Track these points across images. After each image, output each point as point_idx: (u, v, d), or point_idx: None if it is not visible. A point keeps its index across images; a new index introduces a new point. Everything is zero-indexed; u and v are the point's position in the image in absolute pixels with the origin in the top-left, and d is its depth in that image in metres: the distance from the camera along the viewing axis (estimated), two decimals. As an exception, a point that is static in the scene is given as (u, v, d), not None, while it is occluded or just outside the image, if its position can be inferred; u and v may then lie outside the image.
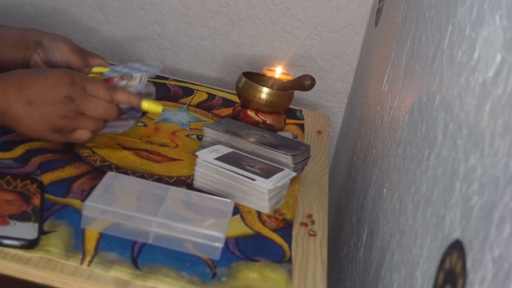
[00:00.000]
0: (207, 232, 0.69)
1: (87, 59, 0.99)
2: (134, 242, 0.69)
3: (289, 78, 1.24)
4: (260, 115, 1.11)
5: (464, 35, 0.55)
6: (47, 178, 0.79)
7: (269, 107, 1.10)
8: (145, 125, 1.03)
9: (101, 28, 1.54)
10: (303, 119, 1.25)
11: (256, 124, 1.10)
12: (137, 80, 0.90)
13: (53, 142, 0.86)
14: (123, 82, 0.90)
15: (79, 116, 0.82)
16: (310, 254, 0.76)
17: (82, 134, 0.83)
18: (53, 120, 0.80)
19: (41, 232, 0.67)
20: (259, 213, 0.82)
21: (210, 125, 0.96)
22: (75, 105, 0.80)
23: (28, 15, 1.56)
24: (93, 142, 0.92)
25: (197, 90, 1.28)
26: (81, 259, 0.65)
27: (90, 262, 0.64)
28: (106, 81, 0.89)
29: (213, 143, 0.95)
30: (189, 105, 1.18)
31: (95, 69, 0.96)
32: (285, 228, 0.80)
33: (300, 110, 1.30)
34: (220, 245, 0.69)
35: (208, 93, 1.28)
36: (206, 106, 1.20)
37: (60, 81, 0.80)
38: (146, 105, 0.87)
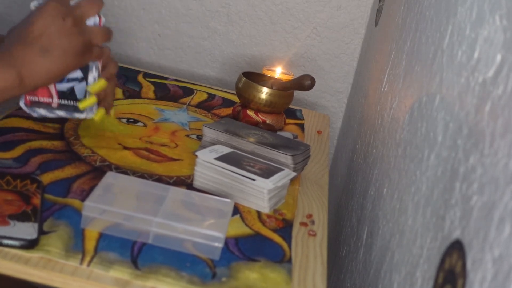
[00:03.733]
0: (207, 232, 0.69)
1: None
2: (134, 242, 0.69)
3: (289, 78, 1.24)
4: (260, 115, 1.11)
5: (464, 35, 0.55)
6: (47, 178, 0.79)
7: (269, 107, 1.10)
8: (145, 125, 1.03)
9: (101, 28, 1.54)
10: (303, 119, 1.25)
11: (256, 124, 1.10)
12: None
13: (82, 65, 0.83)
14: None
15: (83, 30, 0.80)
16: (310, 254, 0.76)
17: (98, 49, 0.83)
18: (74, 46, 0.78)
19: (41, 232, 0.67)
20: (259, 213, 0.82)
21: (210, 125, 0.96)
22: (72, 19, 0.78)
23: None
24: (93, 142, 0.92)
25: (197, 90, 1.28)
26: (81, 259, 0.65)
27: (90, 262, 0.64)
28: None
29: (213, 143, 0.95)
30: (189, 105, 1.18)
31: None
32: (285, 228, 0.80)
33: (300, 110, 1.30)
34: (220, 245, 0.69)
35: (208, 93, 1.28)
36: (206, 106, 1.20)
37: (48, 11, 0.77)
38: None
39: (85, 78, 0.84)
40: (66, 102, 0.83)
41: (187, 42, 1.54)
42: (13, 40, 0.77)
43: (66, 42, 0.78)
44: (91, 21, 0.83)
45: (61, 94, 0.83)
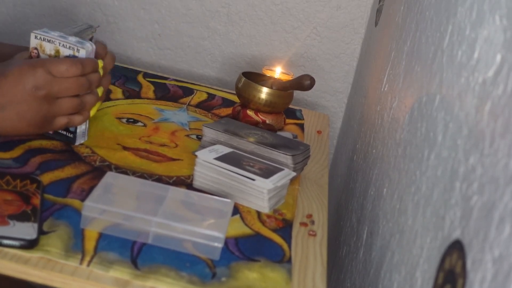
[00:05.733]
0: (207, 232, 0.69)
1: None
2: (134, 242, 0.69)
3: (289, 78, 1.24)
4: (259, 115, 1.11)
5: (464, 35, 0.55)
6: (46, 178, 0.79)
7: (269, 107, 1.10)
8: (144, 125, 1.03)
9: (101, 28, 1.54)
10: (303, 119, 1.25)
11: (255, 124, 1.10)
12: (84, 54, 0.84)
13: (38, 134, 0.83)
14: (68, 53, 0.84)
15: (54, 102, 0.79)
16: (310, 254, 0.76)
17: (62, 121, 0.82)
18: (30, 116, 0.77)
19: (41, 232, 0.67)
20: (258, 213, 0.82)
21: (210, 125, 0.96)
22: (46, 92, 0.77)
23: (28, 14, 1.56)
24: (92, 142, 0.92)
25: (197, 90, 1.28)
26: (81, 259, 0.65)
27: (90, 262, 0.64)
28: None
29: (212, 143, 0.95)
30: (188, 105, 1.18)
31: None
32: (285, 228, 0.80)
33: (300, 110, 1.30)
34: (219, 245, 0.69)
35: (208, 93, 1.27)
36: (206, 106, 1.20)
37: (21, 73, 0.76)
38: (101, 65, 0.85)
39: None
40: (60, 131, 0.88)
41: (187, 42, 1.54)
42: None
43: (24, 109, 0.77)
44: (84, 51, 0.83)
45: None
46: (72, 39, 0.85)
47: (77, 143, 0.89)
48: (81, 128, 0.89)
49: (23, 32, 1.57)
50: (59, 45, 0.83)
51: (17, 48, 0.95)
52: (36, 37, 0.84)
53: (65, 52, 0.83)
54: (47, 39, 0.84)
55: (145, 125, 1.03)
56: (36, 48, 0.85)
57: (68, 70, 0.78)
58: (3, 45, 0.98)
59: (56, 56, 0.83)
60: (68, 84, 0.79)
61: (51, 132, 0.88)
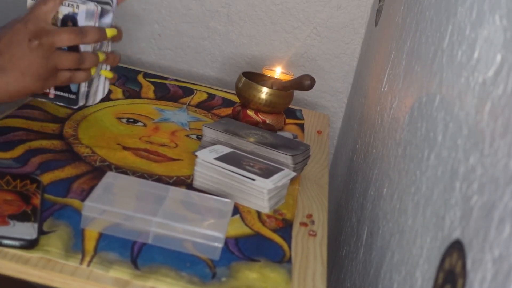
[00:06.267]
0: (207, 232, 0.69)
1: None
2: (134, 242, 0.69)
3: (289, 78, 1.24)
4: (260, 115, 1.11)
5: (464, 35, 0.55)
6: (46, 178, 0.79)
7: (269, 107, 1.10)
8: (144, 125, 1.03)
9: (101, 28, 1.54)
10: (303, 119, 1.25)
11: (256, 124, 1.10)
12: (84, 11, 0.81)
13: (45, 90, 0.82)
14: (66, 10, 0.81)
15: (52, 52, 0.77)
16: (310, 254, 0.76)
17: (65, 74, 0.80)
18: (33, 70, 0.76)
19: (41, 232, 0.67)
20: (259, 213, 0.82)
21: (210, 125, 0.96)
22: (40, 40, 0.76)
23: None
24: (92, 142, 0.92)
25: (197, 90, 1.28)
26: (81, 259, 0.65)
27: (90, 262, 0.64)
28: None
29: (212, 143, 0.95)
30: (189, 105, 1.18)
31: None
32: (285, 228, 0.80)
33: (300, 110, 1.30)
34: (219, 245, 0.69)
35: (208, 93, 1.27)
36: (206, 106, 1.20)
37: (13, 31, 0.76)
38: (109, 33, 0.83)
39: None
40: (61, 93, 0.85)
41: (187, 42, 1.54)
42: None
43: (26, 64, 0.76)
44: (106, 19, 0.82)
45: (57, 86, 0.84)
46: None
47: (79, 104, 0.86)
48: (83, 89, 0.86)
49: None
50: None
51: None
52: None
53: (63, 10, 0.80)
54: None
55: (145, 125, 1.03)
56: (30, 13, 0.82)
57: (67, 39, 0.77)
58: None
59: (54, 16, 0.80)
60: (59, 30, 0.78)
61: (52, 97, 0.85)
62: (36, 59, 0.76)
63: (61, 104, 0.87)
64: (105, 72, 0.88)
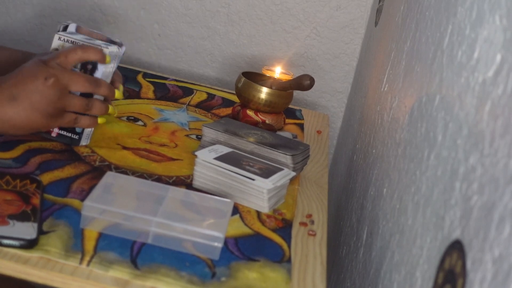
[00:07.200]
0: (207, 232, 0.69)
1: None
2: (134, 242, 0.69)
3: (289, 78, 1.24)
4: (259, 115, 1.11)
5: (464, 35, 0.55)
6: (46, 178, 0.79)
7: (269, 107, 1.10)
8: (144, 124, 1.03)
9: (101, 28, 1.54)
10: (303, 119, 1.25)
11: (255, 124, 1.10)
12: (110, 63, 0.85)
13: (49, 128, 0.83)
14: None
15: (64, 94, 0.80)
16: (310, 254, 0.76)
17: (71, 116, 0.82)
18: (42, 106, 0.78)
19: (40, 232, 0.67)
20: (258, 213, 0.82)
21: (209, 125, 0.96)
22: (55, 79, 0.78)
23: (28, 14, 1.56)
24: (92, 142, 0.92)
25: (197, 90, 1.28)
26: (80, 259, 0.65)
27: (89, 262, 0.64)
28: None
29: (212, 143, 0.95)
30: (188, 105, 1.18)
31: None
32: (285, 228, 0.80)
33: (300, 110, 1.30)
34: (219, 245, 0.69)
35: (207, 93, 1.27)
36: (206, 106, 1.20)
37: (33, 66, 0.78)
38: (117, 94, 0.87)
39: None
40: (65, 133, 0.88)
41: (187, 42, 1.54)
42: None
43: (37, 98, 0.78)
44: (104, 66, 0.84)
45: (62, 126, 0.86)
46: (98, 41, 0.84)
47: (80, 144, 0.89)
48: (88, 130, 0.89)
49: (23, 32, 1.57)
50: None
51: (14, 51, 0.96)
52: (59, 38, 0.84)
53: None
54: (71, 41, 0.84)
55: (145, 125, 1.03)
56: (57, 49, 0.84)
57: (78, 57, 0.81)
58: (17, 51, 0.98)
59: None
60: (77, 76, 0.80)
61: (54, 135, 0.87)
62: (48, 96, 0.78)
63: (63, 142, 0.89)
64: (100, 120, 0.89)
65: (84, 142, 0.89)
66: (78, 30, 0.89)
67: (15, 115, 0.77)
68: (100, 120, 0.88)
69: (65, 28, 0.88)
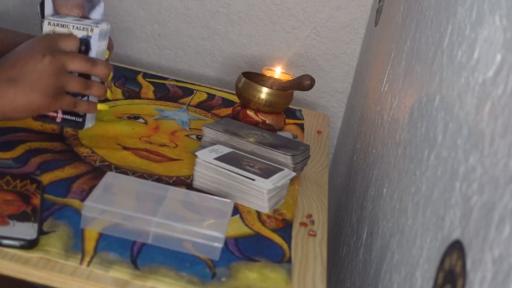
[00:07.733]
0: (207, 232, 0.69)
1: None
2: (134, 242, 0.69)
3: (289, 78, 1.24)
4: (259, 115, 1.11)
5: (464, 35, 0.55)
6: (46, 178, 0.79)
7: (269, 107, 1.10)
8: (146, 122, 1.03)
9: (101, 28, 1.54)
10: (303, 119, 1.25)
11: (255, 124, 1.10)
12: (97, 34, 0.84)
13: (50, 110, 0.82)
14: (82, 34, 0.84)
15: (62, 72, 0.79)
16: (310, 254, 0.76)
17: (69, 99, 0.81)
18: (43, 84, 0.77)
19: (41, 232, 0.67)
20: (258, 213, 0.82)
21: (210, 125, 0.96)
22: (55, 59, 0.77)
23: (28, 14, 1.56)
24: (92, 142, 0.92)
25: (197, 90, 1.28)
26: (81, 259, 0.65)
27: (90, 262, 0.64)
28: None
29: (212, 143, 0.95)
30: (188, 105, 1.18)
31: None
32: (285, 228, 0.80)
33: (300, 110, 1.30)
34: (219, 245, 0.69)
35: (207, 93, 1.27)
36: (206, 106, 1.20)
37: (30, 47, 0.78)
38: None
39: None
40: (69, 117, 0.87)
41: (187, 42, 1.54)
42: None
43: (35, 78, 0.76)
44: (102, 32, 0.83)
45: (66, 110, 0.85)
46: (87, 20, 0.84)
47: (85, 127, 0.87)
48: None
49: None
50: (73, 28, 0.83)
51: (11, 33, 0.96)
52: (49, 23, 0.84)
53: (78, 34, 0.83)
54: (61, 24, 0.83)
55: (146, 122, 1.03)
56: (49, 35, 0.84)
57: (79, 65, 0.80)
58: (12, 32, 0.97)
59: None
60: (73, 54, 0.80)
61: (59, 121, 0.86)
62: (46, 74, 0.77)
63: (68, 127, 0.88)
64: (101, 106, 0.89)
65: (89, 123, 0.88)
66: (54, 2, 0.88)
67: (15, 96, 0.76)
68: (99, 106, 0.87)
69: (42, 5, 0.88)
